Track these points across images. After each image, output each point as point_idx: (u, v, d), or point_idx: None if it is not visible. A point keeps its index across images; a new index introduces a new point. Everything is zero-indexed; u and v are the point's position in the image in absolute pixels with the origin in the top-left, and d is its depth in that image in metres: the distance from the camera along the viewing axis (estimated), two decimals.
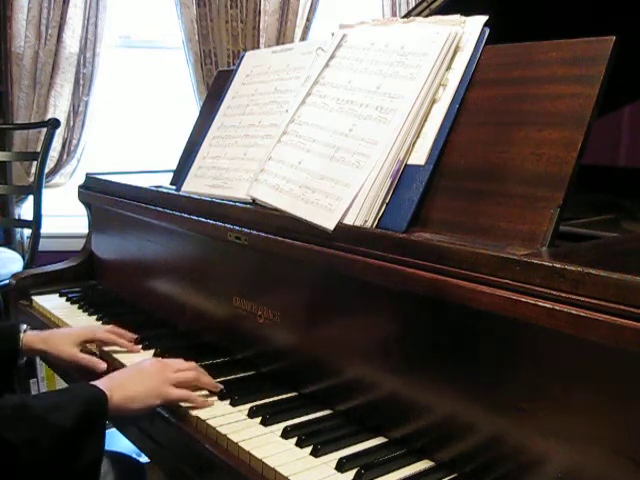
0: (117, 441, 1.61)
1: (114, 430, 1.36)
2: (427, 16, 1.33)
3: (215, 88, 1.76)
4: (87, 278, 1.91)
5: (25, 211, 3.21)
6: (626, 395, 0.75)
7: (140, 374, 1.14)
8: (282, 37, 3.26)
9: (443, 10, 1.36)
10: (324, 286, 1.15)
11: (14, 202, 3.21)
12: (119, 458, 1.36)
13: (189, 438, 1.09)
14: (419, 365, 0.99)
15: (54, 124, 2.85)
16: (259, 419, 1.10)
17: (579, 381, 0.79)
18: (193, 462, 1.10)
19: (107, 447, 1.05)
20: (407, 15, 1.44)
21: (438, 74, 1.12)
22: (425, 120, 1.11)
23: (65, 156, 3.25)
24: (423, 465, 0.97)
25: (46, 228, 2.86)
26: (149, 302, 1.65)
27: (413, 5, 1.56)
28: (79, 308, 1.70)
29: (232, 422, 1.09)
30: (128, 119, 3.51)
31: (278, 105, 1.40)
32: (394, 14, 3.20)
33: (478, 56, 1.11)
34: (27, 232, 3.11)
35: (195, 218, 1.39)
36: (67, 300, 1.76)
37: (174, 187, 1.59)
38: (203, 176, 1.48)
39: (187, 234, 1.47)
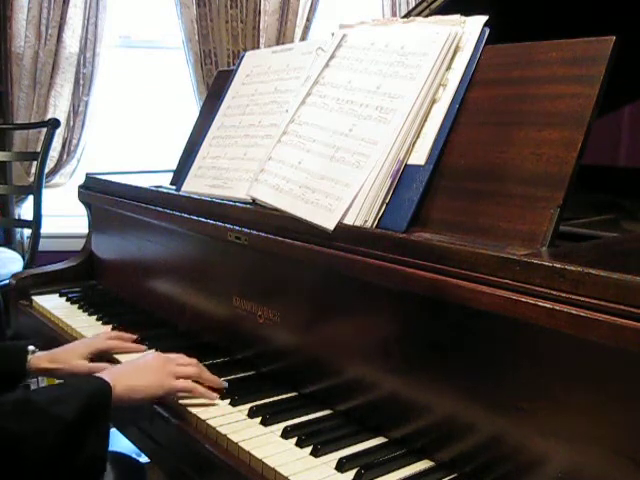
0: (117, 441, 1.61)
1: (114, 430, 1.36)
2: (427, 16, 1.33)
3: (215, 88, 1.76)
4: (87, 278, 1.91)
5: (25, 211, 3.21)
6: (626, 395, 0.75)
7: (143, 366, 1.15)
8: (282, 37, 3.26)
9: (443, 10, 1.36)
10: (324, 286, 1.15)
11: (14, 202, 3.22)
12: (119, 458, 1.36)
13: (189, 438, 1.09)
14: (419, 365, 0.99)
15: (54, 124, 2.86)
16: (259, 419, 1.10)
17: (579, 381, 0.79)
18: (193, 462, 1.10)
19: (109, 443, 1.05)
20: (407, 15, 1.44)
21: (438, 74, 1.12)
22: (425, 120, 1.11)
23: (65, 156, 3.25)
24: (423, 465, 0.97)
25: (46, 228, 2.86)
26: (149, 302, 1.65)
27: (413, 5, 1.56)
28: (79, 308, 1.70)
29: (232, 422, 1.09)
30: (128, 119, 3.51)
31: (278, 105, 1.40)
32: (394, 14, 3.20)
33: (478, 56, 1.11)
34: (27, 232, 3.11)
35: (195, 218, 1.39)
36: (67, 300, 1.76)
37: (174, 187, 1.59)
38: (203, 176, 1.48)
39: (187, 234, 1.47)
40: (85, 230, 1.96)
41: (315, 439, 1.02)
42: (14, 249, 3.07)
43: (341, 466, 0.95)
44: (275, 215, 1.20)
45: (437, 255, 0.92)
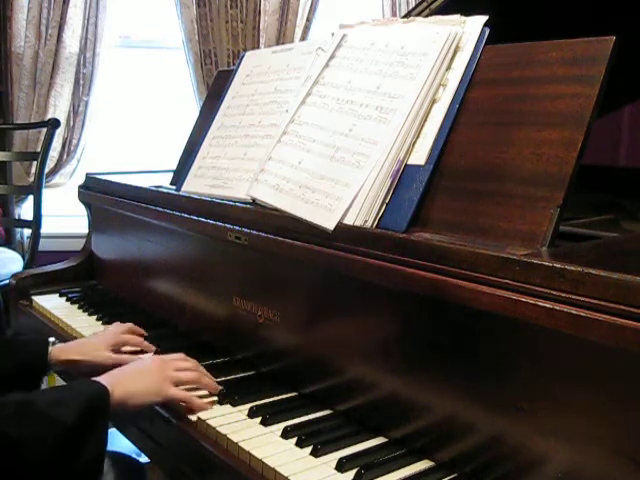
0: (117, 441, 1.61)
1: (114, 430, 1.36)
2: (427, 16, 1.33)
3: (215, 88, 1.76)
4: (87, 278, 1.91)
5: (25, 211, 3.21)
6: (626, 395, 0.75)
7: (141, 371, 1.14)
8: (282, 37, 3.26)
9: (443, 10, 1.36)
10: (324, 286, 1.15)
11: (14, 202, 3.22)
12: (119, 458, 1.36)
13: (189, 438, 1.09)
14: (419, 365, 0.99)
15: (54, 124, 2.85)
16: (259, 419, 1.10)
17: (579, 381, 0.79)
18: (193, 462, 1.10)
19: (107, 447, 1.05)
20: (407, 15, 1.44)
21: (438, 74, 1.12)
22: (425, 120, 1.11)
23: (65, 156, 3.25)
24: (423, 465, 0.97)
25: (46, 228, 2.86)
26: (149, 302, 1.65)
27: (413, 5, 1.56)
28: (79, 308, 1.70)
29: (232, 422, 1.09)
30: (128, 119, 3.51)
31: (278, 105, 1.40)
32: (394, 14, 3.20)
33: (478, 56, 1.11)
34: (27, 232, 3.11)
35: (195, 218, 1.39)
36: (67, 300, 1.76)
37: (174, 187, 1.59)
38: (203, 176, 1.48)
39: (187, 234, 1.47)
40: (85, 230, 1.96)
41: (315, 439, 1.02)
42: (14, 249, 3.07)
43: (341, 466, 0.95)
44: (275, 215, 1.20)
45: (437, 255, 0.92)
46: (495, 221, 0.98)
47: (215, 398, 1.17)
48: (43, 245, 2.84)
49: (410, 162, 1.10)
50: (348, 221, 1.08)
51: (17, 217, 3.22)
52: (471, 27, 1.13)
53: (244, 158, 1.40)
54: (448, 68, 1.13)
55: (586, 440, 0.79)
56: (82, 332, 1.52)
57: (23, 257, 2.86)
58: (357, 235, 1.05)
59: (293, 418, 1.10)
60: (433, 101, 1.12)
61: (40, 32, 3.12)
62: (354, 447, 1.01)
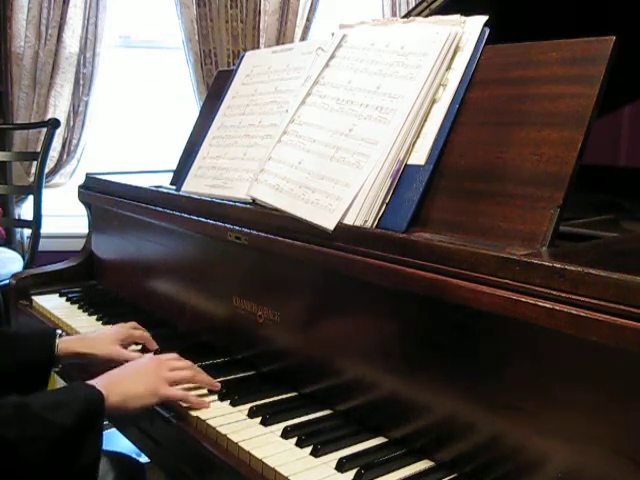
0: (117, 441, 1.62)
1: (114, 430, 1.36)
2: (427, 16, 1.33)
3: (215, 88, 1.76)
4: (87, 278, 1.91)
5: (25, 211, 3.21)
6: (626, 395, 0.75)
7: (137, 373, 1.14)
8: (282, 37, 3.26)
9: (443, 10, 1.36)
10: (324, 286, 1.15)
11: (14, 202, 3.22)
12: (119, 458, 1.36)
13: (189, 438, 1.09)
14: (419, 365, 0.99)
15: (54, 124, 2.85)
16: (259, 419, 1.10)
17: (579, 381, 0.79)
18: (193, 462, 1.10)
19: (107, 447, 1.06)
20: (407, 15, 1.44)
21: (438, 74, 1.12)
22: (425, 120, 1.11)
23: (65, 156, 3.25)
24: (423, 465, 0.97)
25: (46, 228, 2.86)
26: (149, 302, 1.65)
27: (413, 5, 1.56)
28: (79, 308, 1.70)
29: (232, 422, 1.09)
30: (128, 119, 3.51)
31: (278, 105, 1.40)
32: (394, 14, 3.20)
33: (478, 56, 1.11)
34: (27, 232, 3.11)
35: (195, 218, 1.39)
36: (67, 300, 1.76)
37: (174, 187, 1.59)
38: (203, 176, 1.48)
39: (187, 234, 1.47)
40: (85, 230, 1.96)
41: (315, 439, 1.02)
42: (14, 249, 3.07)
43: (341, 466, 0.95)
44: (275, 215, 1.20)
45: (437, 255, 0.92)
46: (495, 221, 0.98)
47: (215, 397, 1.17)
48: (43, 245, 2.84)
49: (410, 162, 1.10)
50: (348, 221, 1.08)
51: (17, 217, 3.22)
52: (471, 27, 1.13)
53: (244, 158, 1.40)
54: (448, 68, 1.13)
55: (586, 440, 0.79)
56: (82, 332, 1.52)
57: (23, 257, 2.86)
58: (357, 235, 1.05)
59: (293, 418, 1.10)
60: (433, 101, 1.12)
61: (40, 32, 3.12)
62: (354, 447, 1.01)
